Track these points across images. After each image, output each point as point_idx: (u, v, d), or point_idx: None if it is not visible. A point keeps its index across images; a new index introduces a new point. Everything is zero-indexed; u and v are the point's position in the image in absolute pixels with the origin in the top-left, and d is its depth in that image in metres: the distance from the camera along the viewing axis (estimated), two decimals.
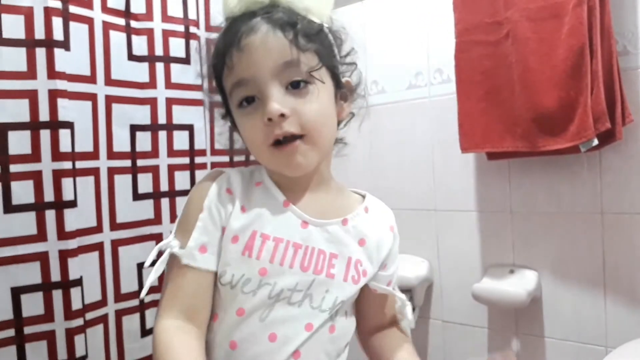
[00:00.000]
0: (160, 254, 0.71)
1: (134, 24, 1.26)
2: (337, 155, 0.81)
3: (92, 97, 1.18)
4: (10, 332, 1.06)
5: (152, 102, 1.28)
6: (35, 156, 1.07)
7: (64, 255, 1.09)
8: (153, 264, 0.70)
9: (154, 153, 1.30)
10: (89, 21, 1.17)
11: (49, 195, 1.08)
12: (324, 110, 0.71)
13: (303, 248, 0.70)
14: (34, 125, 1.07)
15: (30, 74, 1.07)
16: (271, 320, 0.69)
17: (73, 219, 1.11)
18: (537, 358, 1.30)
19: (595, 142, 1.06)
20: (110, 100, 1.22)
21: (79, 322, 1.11)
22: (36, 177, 1.07)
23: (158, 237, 1.29)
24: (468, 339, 1.41)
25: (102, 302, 1.21)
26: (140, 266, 1.27)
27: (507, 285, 1.27)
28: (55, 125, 1.09)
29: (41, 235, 1.08)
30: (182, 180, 1.33)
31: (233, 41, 0.68)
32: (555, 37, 1.08)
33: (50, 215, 1.09)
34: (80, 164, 1.15)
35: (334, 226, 0.73)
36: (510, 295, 1.24)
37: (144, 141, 1.28)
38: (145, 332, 1.29)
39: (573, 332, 1.25)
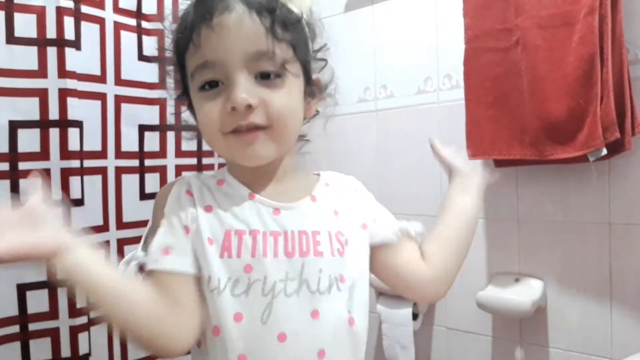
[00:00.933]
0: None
1: (145, 24, 1.27)
2: (298, 152, 0.77)
3: (102, 97, 1.20)
4: (15, 329, 1.07)
5: (161, 103, 1.29)
6: (44, 154, 1.09)
7: None
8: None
9: (162, 153, 1.31)
10: (101, 21, 1.19)
11: (56, 194, 1.09)
12: (293, 104, 0.67)
13: (282, 234, 0.66)
14: (43, 124, 1.08)
15: (41, 72, 1.08)
16: (274, 320, 0.64)
17: (80, 218, 1.12)
18: None
19: (604, 151, 1.05)
20: (119, 100, 1.23)
21: (83, 320, 1.12)
22: (44, 175, 1.08)
23: None
24: (472, 346, 1.39)
25: None
26: None
27: (512, 293, 1.25)
28: (64, 124, 1.10)
29: None
30: None
31: (204, 16, 0.63)
32: (565, 45, 1.07)
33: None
34: (88, 163, 1.16)
35: (305, 205, 0.70)
36: (515, 304, 1.23)
37: (152, 141, 1.29)
38: None
39: (578, 343, 1.23)
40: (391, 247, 0.75)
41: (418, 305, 1.40)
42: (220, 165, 1.40)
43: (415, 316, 1.40)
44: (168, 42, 0.72)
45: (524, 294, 1.23)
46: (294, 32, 0.67)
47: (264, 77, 0.64)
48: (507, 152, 1.18)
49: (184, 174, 1.33)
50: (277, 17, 0.64)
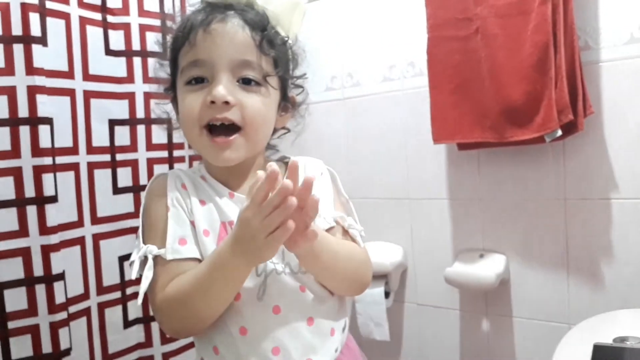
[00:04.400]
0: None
1: (110, 18, 1.26)
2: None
3: (71, 93, 1.19)
4: None
5: (130, 97, 1.29)
6: (15, 152, 1.08)
7: (46, 250, 1.10)
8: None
9: (132, 147, 1.31)
10: (66, 16, 1.17)
11: (29, 191, 1.09)
12: (266, 111, 0.75)
13: None
14: (13, 122, 1.07)
15: (8, 70, 1.06)
16: (268, 295, 0.72)
17: (54, 214, 1.12)
18: (506, 337, 1.36)
19: (559, 132, 1.11)
20: (88, 95, 1.22)
21: (62, 315, 1.13)
22: (17, 173, 1.08)
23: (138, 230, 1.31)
24: (441, 320, 1.46)
25: (85, 295, 1.22)
26: (121, 259, 1.29)
27: (477, 269, 1.31)
28: (34, 121, 1.09)
29: (23, 231, 1.09)
30: None
31: (203, 22, 0.71)
32: (521, 33, 1.12)
33: (31, 210, 1.09)
34: (60, 160, 1.16)
35: None
36: (480, 278, 1.29)
37: (122, 135, 1.29)
38: (128, 323, 1.31)
39: (539, 312, 1.31)
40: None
41: (390, 284, 1.46)
42: (192, 158, 1.43)
43: (387, 294, 1.46)
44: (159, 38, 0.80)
45: (488, 268, 1.30)
46: (279, 51, 0.76)
47: (245, 82, 0.72)
48: (470, 136, 1.24)
49: (157, 167, 1.34)
50: (266, 35, 0.73)
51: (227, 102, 0.70)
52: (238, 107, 0.71)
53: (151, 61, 1.31)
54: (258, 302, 0.72)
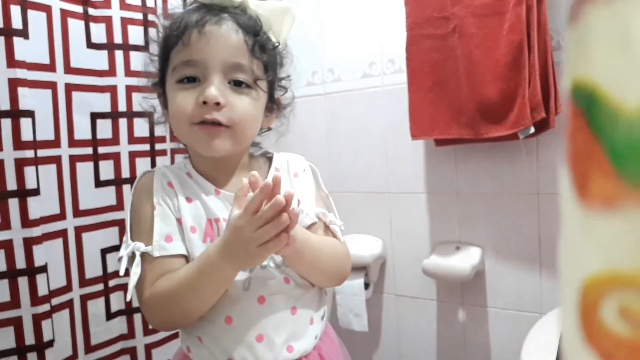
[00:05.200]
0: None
1: (92, 11, 1.26)
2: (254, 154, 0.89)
3: (52, 86, 1.18)
4: None
5: (112, 90, 1.29)
6: None
7: (29, 243, 1.10)
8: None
9: (114, 140, 1.31)
10: (47, 9, 1.16)
11: (11, 184, 1.08)
12: (254, 113, 0.77)
13: None
14: None
15: None
16: (254, 287, 0.75)
17: (36, 207, 1.12)
18: (481, 326, 1.41)
19: (532, 129, 1.15)
20: (70, 88, 1.22)
21: (45, 307, 1.13)
22: None
23: (120, 223, 1.32)
24: (419, 310, 1.50)
25: (67, 288, 1.22)
26: (103, 252, 1.29)
27: (453, 260, 1.35)
28: (16, 114, 1.08)
29: (5, 224, 1.08)
30: (143, 166, 1.34)
31: (198, 22, 0.72)
32: (497, 33, 1.16)
33: (13, 203, 1.09)
34: (42, 152, 1.15)
35: None
36: (457, 270, 1.33)
37: (104, 129, 1.29)
38: (110, 315, 1.32)
39: (512, 302, 1.36)
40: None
41: (369, 275, 1.50)
42: (173, 152, 1.44)
43: (366, 285, 1.49)
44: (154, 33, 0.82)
45: (464, 260, 1.34)
46: (269, 56, 0.78)
47: (236, 84, 0.74)
48: (446, 132, 1.27)
49: (139, 160, 1.35)
50: (259, 40, 0.75)
51: (218, 104, 0.71)
52: (228, 108, 0.73)
53: (133, 54, 1.31)
54: (244, 292, 0.74)
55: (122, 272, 0.75)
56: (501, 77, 1.16)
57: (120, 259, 0.75)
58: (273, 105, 0.84)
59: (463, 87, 1.22)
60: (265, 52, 0.77)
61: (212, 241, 0.74)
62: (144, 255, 0.74)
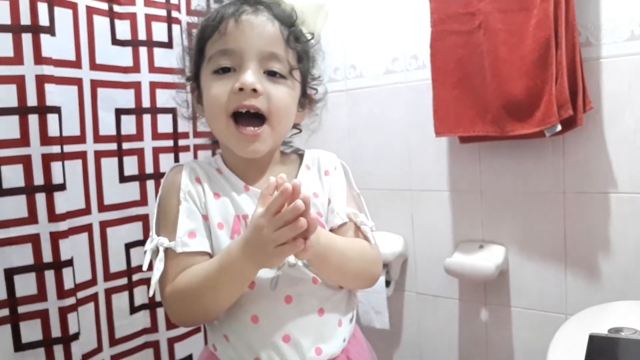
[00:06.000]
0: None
1: (117, 8, 1.27)
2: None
3: (78, 82, 1.20)
4: (5, 312, 1.09)
5: (136, 86, 1.30)
6: (24, 141, 1.09)
7: (55, 237, 1.12)
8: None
9: (138, 136, 1.32)
10: (73, 6, 1.18)
11: (38, 179, 1.11)
12: (290, 103, 0.77)
13: None
14: (22, 110, 1.08)
15: (17, 59, 1.07)
16: (281, 286, 0.74)
17: (63, 202, 1.14)
18: (504, 326, 1.39)
19: (559, 127, 1.13)
20: (95, 84, 1.23)
21: (71, 300, 1.15)
22: (26, 161, 1.09)
23: (144, 218, 1.33)
24: (440, 309, 1.49)
25: (92, 281, 1.24)
26: (127, 246, 1.31)
27: (476, 259, 1.34)
28: (43, 110, 1.10)
29: (32, 218, 1.10)
30: (166, 162, 1.36)
31: (234, 13, 0.72)
32: (523, 29, 1.14)
33: (40, 198, 1.11)
34: (68, 148, 1.17)
35: None
36: (480, 269, 1.31)
37: (129, 124, 1.31)
38: (134, 309, 1.33)
39: (536, 302, 1.34)
40: (336, 230, 0.82)
41: (390, 273, 1.49)
42: (196, 147, 1.45)
43: (387, 283, 1.48)
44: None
45: (487, 259, 1.32)
46: (303, 48, 0.78)
47: (270, 74, 0.74)
48: (471, 129, 1.26)
49: (162, 156, 1.36)
50: (294, 31, 0.76)
51: (255, 90, 0.71)
52: (265, 96, 0.73)
53: (157, 51, 1.32)
54: (271, 292, 0.74)
55: (145, 267, 0.75)
56: (528, 74, 1.14)
57: (145, 253, 0.75)
58: (305, 100, 0.84)
59: (489, 83, 1.20)
60: (299, 43, 0.77)
61: None
62: (167, 250, 0.74)
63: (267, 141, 0.76)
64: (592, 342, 0.88)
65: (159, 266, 0.73)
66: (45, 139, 1.11)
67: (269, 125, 0.75)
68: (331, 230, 0.81)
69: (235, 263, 0.68)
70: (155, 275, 0.72)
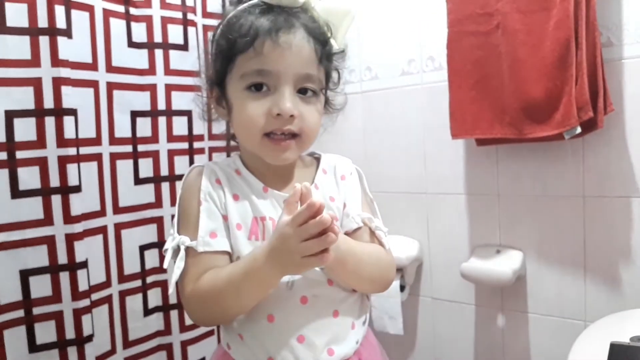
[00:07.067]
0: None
1: (133, 11, 1.28)
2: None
3: (94, 84, 1.21)
4: (20, 313, 1.09)
5: (152, 89, 1.31)
6: (40, 143, 1.10)
7: (70, 239, 1.13)
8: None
9: (154, 138, 1.33)
10: (90, 9, 1.19)
11: (54, 181, 1.11)
12: (319, 119, 0.79)
13: None
14: (39, 113, 1.09)
15: (34, 62, 1.08)
16: (297, 286, 0.75)
17: (78, 204, 1.14)
18: (521, 332, 1.37)
19: (579, 130, 1.11)
20: (111, 87, 1.24)
21: (85, 302, 1.15)
22: (42, 163, 1.10)
23: (159, 220, 1.33)
24: (456, 314, 1.47)
25: (107, 283, 1.25)
26: (142, 248, 1.31)
27: (493, 264, 1.32)
28: (59, 112, 1.11)
29: (48, 220, 1.11)
30: (181, 164, 1.36)
31: (270, 30, 0.71)
32: (543, 30, 1.12)
33: (56, 200, 1.12)
34: (84, 150, 1.18)
35: None
36: (497, 274, 1.29)
37: (144, 127, 1.31)
38: (148, 311, 1.33)
39: (555, 308, 1.31)
40: (351, 234, 0.83)
41: (405, 277, 1.47)
42: (211, 150, 1.45)
43: (402, 288, 1.47)
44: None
45: (504, 264, 1.30)
46: (332, 63, 0.80)
47: (302, 92, 0.75)
48: (489, 132, 1.24)
49: (177, 158, 1.36)
50: (327, 50, 0.77)
51: (292, 116, 0.73)
52: (299, 118, 0.74)
53: (172, 53, 1.33)
54: (287, 292, 0.75)
55: (166, 265, 0.76)
56: (547, 75, 1.12)
57: (165, 251, 0.76)
58: (327, 107, 0.86)
59: (507, 85, 1.18)
60: (329, 61, 0.79)
61: (257, 239, 0.75)
62: (188, 249, 0.75)
63: (294, 152, 0.78)
64: (614, 351, 0.86)
65: (179, 265, 0.73)
66: (62, 141, 1.12)
67: (298, 141, 0.77)
68: (346, 234, 0.81)
69: (260, 269, 0.68)
70: (176, 274, 0.73)
